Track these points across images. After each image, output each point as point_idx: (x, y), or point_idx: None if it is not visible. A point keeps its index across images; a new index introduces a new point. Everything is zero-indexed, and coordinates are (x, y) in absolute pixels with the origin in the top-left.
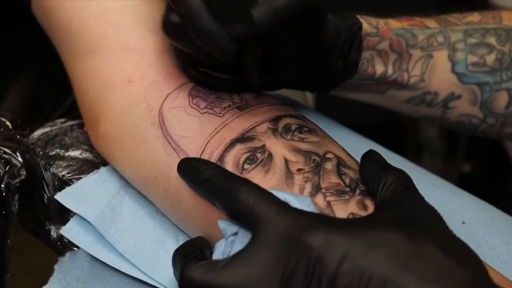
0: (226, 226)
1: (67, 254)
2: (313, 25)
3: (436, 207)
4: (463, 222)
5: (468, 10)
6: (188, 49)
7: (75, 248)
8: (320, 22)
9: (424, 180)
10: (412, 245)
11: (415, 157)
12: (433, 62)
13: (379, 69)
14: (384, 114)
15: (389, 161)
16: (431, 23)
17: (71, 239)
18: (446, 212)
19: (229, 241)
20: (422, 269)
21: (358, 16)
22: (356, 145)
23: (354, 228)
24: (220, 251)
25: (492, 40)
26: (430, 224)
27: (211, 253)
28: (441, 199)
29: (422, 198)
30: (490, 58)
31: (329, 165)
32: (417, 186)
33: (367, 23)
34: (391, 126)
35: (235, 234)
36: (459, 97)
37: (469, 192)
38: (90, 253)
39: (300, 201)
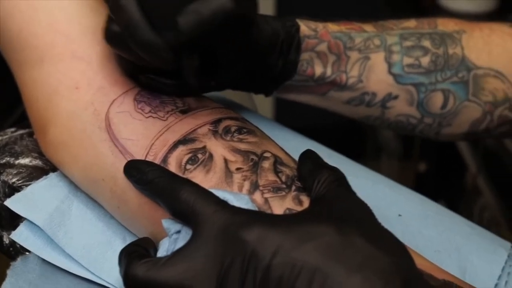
0: (169, 224)
1: (19, 259)
2: (244, 30)
3: (374, 201)
4: (399, 215)
5: (417, 11)
6: (129, 57)
7: (27, 253)
8: (250, 27)
9: (364, 176)
10: (340, 238)
11: (374, 159)
12: (370, 64)
13: (318, 70)
14: (345, 119)
15: (331, 160)
16: (368, 27)
17: (21, 243)
18: (383, 205)
19: (173, 239)
20: (349, 259)
21: (297, 19)
22: (298, 145)
23: (287, 223)
24: (164, 249)
25: (426, 43)
26: (360, 218)
27: (156, 252)
28: (380, 193)
29: (354, 193)
30: (425, 60)
31: (266, 164)
32: (357, 181)
33: (306, 26)
34: (352, 130)
35: (178, 232)
36: (396, 97)
37: (425, 190)
38: (41, 256)
39: (238, 199)
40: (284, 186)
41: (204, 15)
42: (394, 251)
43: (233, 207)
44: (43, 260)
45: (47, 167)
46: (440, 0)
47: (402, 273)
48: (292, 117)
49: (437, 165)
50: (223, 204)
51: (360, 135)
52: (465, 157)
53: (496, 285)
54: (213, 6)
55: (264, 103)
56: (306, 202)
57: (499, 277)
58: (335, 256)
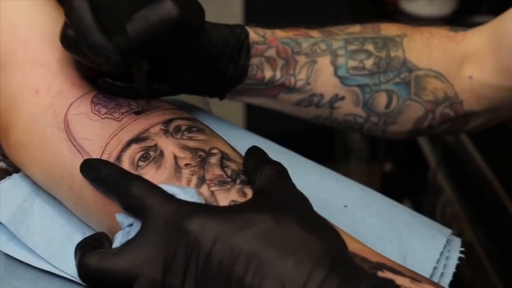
0: (122, 218)
1: None
2: (191, 36)
3: (322, 193)
4: (345, 206)
5: (380, 15)
6: (83, 60)
7: None
8: (198, 33)
9: (313, 171)
10: (277, 225)
11: (344, 161)
12: (317, 67)
13: (268, 74)
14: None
15: (282, 156)
16: (314, 33)
17: None
18: (331, 197)
19: (126, 232)
20: (283, 244)
21: (246, 27)
22: (251, 143)
23: (228, 213)
24: (118, 241)
25: (370, 47)
26: (297, 207)
27: (111, 244)
28: (326, 186)
29: (293, 185)
30: (369, 63)
31: (213, 159)
32: (306, 175)
33: (254, 33)
34: (322, 134)
35: (131, 225)
36: (343, 98)
37: (391, 189)
38: (4, 251)
39: (185, 193)
40: (229, 179)
41: (151, 22)
42: (327, 236)
43: (179, 200)
44: (7, 255)
45: (10, 169)
46: (402, 5)
47: (332, 255)
48: (263, 122)
49: (402, 165)
50: (170, 197)
51: (330, 139)
52: (427, 156)
53: (434, 268)
54: (160, 13)
55: (235, 110)
56: (250, 194)
57: (438, 261)
58: (270, 242)
